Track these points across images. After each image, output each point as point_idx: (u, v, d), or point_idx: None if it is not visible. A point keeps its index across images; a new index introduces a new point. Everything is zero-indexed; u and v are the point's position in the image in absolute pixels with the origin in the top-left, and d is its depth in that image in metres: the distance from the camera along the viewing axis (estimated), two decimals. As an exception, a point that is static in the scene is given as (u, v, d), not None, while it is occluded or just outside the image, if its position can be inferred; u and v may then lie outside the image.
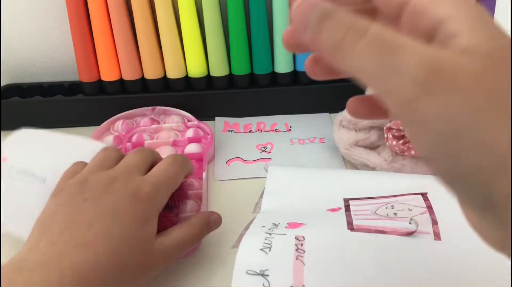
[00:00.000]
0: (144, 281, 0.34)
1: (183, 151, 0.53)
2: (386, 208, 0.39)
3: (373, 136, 0.50)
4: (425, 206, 0.39)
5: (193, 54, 0.59)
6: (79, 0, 0.57)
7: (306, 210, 0.36)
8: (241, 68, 0.60)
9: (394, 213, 0.38)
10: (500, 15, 0.63)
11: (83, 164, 0.39)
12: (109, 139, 0.55)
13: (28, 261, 0.30)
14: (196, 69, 0.60)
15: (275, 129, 0.59)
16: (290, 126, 0.60)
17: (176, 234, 0.36)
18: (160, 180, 0.36)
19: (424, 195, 0.41)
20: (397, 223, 0.36)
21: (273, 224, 0.36)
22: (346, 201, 0.41)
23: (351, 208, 0.40)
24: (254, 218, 0.40)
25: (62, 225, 0.32)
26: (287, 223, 0.36)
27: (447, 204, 0.39)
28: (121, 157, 0.39)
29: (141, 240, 0.33)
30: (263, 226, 0.36)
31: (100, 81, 0.62)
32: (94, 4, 0.57)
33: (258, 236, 0.34)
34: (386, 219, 0.37)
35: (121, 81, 0.61)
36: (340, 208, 0.40)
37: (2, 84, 0.66)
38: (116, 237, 0.32)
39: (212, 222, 0.40)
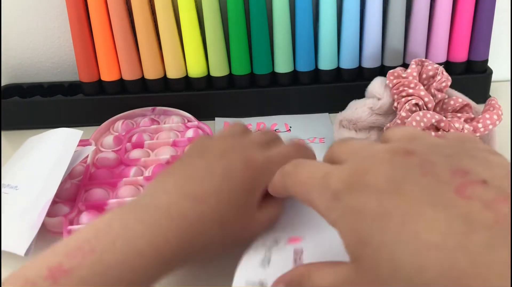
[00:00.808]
0: (237, 248, 0.35)
1: (183, 151, 0.53)
2: None
3: (373, 136, 0.50)
4: None
5: (193, 54, 0.59)
6: (79, 0, 0.57)
7: (305, 218, 0.36)
8: (241, 68, 0.60)
9: None
10: (500, 15, 0.63)
11: (209, 138, 0.40)
12: (109, 139, 0.55)
13: (141, 203, 0.32)
14: (196, 69, 0.60)
15: (275, 130, 0.59)
16: (290, 127, 0.60)
17: (269, 211, 0.37)
18: (275, 159, 0.36)
19: None
20: None
21: (274, 241, 0.37)
22: None
23: None
24: None
25: (177, 178, 0.34)
26: (287, 239, 0.37)
27: None
28: (246, 132, 0.40)
29: (245, 206, 0.34)
30: (264, 244, 0.37)
31: (100, 81, 0.62)
32: (94, 4, 0.57)
33: (259, 253, 0.35)
34: None
35: (121, 81, 0.61)
36: None
37: (2, 84, 0.66)
38: (223, 197, 0.33)
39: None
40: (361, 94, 0.52)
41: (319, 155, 0.54)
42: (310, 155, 0.40)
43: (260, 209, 0.36)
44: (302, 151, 0.39)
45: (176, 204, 0.32)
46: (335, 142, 0.30)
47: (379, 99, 0.49)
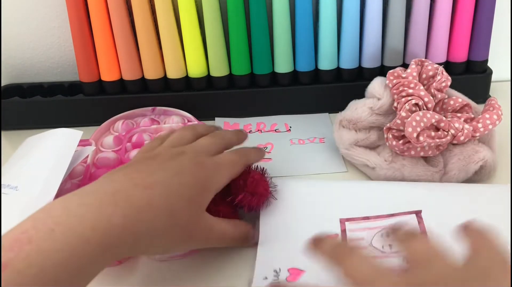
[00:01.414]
0: (181, 250, 0.36)
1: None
2: (381, 236, 0.40)
3: (373, 136, 0.50)
4: (418, 229, 0.40)
5: (193, 54, 0.59)
6: (79, 0, 0.57)
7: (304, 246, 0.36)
8: (241, 68, 0.60)
9: (389, 245, 0.39)
10: (500, 15, 0.63)
11: (160, 140, 0.41)
12: (109, 139, 0.55)
13: (86, 189, 0.32)
14: (196, 69, 0.60)
15: (275, 130, 0.59)
16: (290, 127, 0.60)
17: (222, 223, 0.38)
18: (222, 162, 0.38)
19: (418, 214, 0.42)
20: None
21: (274, 271, 0.37)
22: (343, 222, 0.42)
23: (348, 234, 0.41)
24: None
25: (126, 172, 0.34)
26: (288, 271, 0.37)
27: (439, 222, 0.40)
28: (196, 137, 0.41)
29: (195, 200, 0.35)
30: (266, 278, 0.37)
31: (100, 81, 0.62)
32: (94, 4, 0.57)
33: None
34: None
35: (121, 81, 0.61)
36: (337, 235, 0.40)
37: (2, 84, 0.66)
38: (174, 188, 0.33)
39: (250, 236, 0.41)
40: (361, 94, 0.52)
41: (319, 154, 0.55)
42: (251, 156, 0.43)
43: (213, 217, 0.37)
44: (242, 152, 0.41)
45: (123, 191, 0.31)
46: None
47: (379, 99, 0.49)
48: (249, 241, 0.41)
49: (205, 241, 0.37)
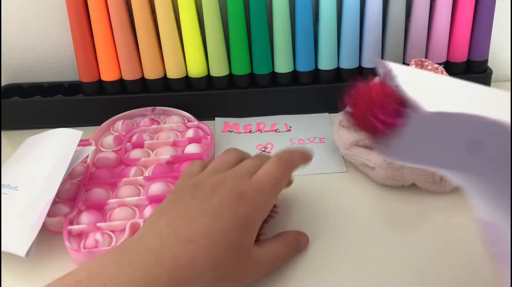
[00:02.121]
0: None
1: (183, 151, 0.53)
2: None
3: (373, 136, 0.50)
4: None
5: (193, 54, 0.59)
6: (79, 0, 0.57)
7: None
8: (241, 68, 0.60)
9: None
10: (500, 15, 0.63)
11: (202, 165, 0.40)
12: (109, 139, 0.55)
13: (135, 247, 0.32)
14: (196, 69, 0.60)
15: (275, 130, 0.59)
16: (290, 127, 0.60)
17: (271, 248, 0.37)
18: (265, 187, 0.36)
19: None
20: None
21: None
22: None
23: None
24: None
25: (170, 219, 0.34)
26: None
27: None
28: (240, 159, 0.40)
29: (239, 244, 0.34)
30: None
31: (100, 81, 0.62)
32: (94, 4, 0.57)
33: None
34: None
35: (121, 81, 0.61)
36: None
37: (2, 84, 0.66)
38: (215, 236, 0.32)
39: (301, 243, 0.40)
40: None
41: (319, 154, 0.55)
42: (296, 161, 0.40)
43: (261, 246, 0.36)
44: (285, 161, 0.38)
45: (168, 247, 0.31)
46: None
47: (379, 99, 0.49)
48: (303, 246, 0.40)
49: (256, 276, 0.36)
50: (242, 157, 0.41)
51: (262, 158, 0.40)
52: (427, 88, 0.32)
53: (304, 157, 0.41)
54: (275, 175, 0.37)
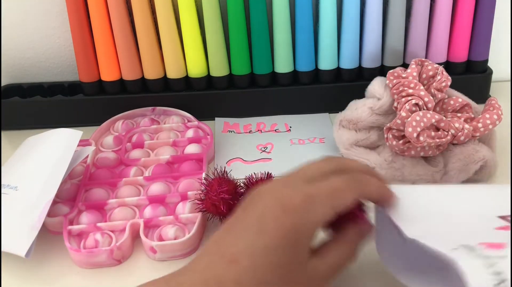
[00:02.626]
0: None
1: (183, 151, 0.53)
2: None
3: (373, 136, 0.50)
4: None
5: (193, 54, 0.59)
6: (79, 0, 0.57)
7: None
8: (241, 68, 0.60)
9: None
10: (500, 15, 0.63)
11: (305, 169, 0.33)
12: (109, 139, 0.55)
13: (189, 265, 0.30)
14: (196, 69, 0.60)
15: (275, 130, 0.59)
16: (290, 127, 0.60)
17: (333, 256, 0.32)
18: (319, 191, 0.30)
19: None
20: None
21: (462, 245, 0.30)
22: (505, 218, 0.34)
23: None
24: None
25: (219, 236, 0.30)
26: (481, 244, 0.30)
27: None
28: (332, 171, 0.33)
29: (288, 261, 0.29)
30: (455, 248, 0.29)
31: (100, 81, 0.62)
32: (94, 4, 0.57)
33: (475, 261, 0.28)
34: None
35: (121, 81, 0.61)
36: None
37: (2, 84, 0.66)
38: (258, 256, 0.28)
39: (364, 233, 0.34)
40: (361, 94, 0.52)
41: (319, 154, 0.54)
42: (366, 189, 0.32)
43: (319, 255, 0.31)
44: (353, 183, 0.32)
45: (213, 268, 0.28)
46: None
47: (379, 99, 0.49)
48: (367, 233, 0.34)
49: None
50: (336, 168, 0.33)
51: (333, 163, 0.33)
52: (421, 205, 0.35)
53: (380, 185, 0.33)
54: (336, 185, 0.31)
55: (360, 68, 0.61)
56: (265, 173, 0.44)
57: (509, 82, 0.67)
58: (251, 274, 0.28)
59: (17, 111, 0.62)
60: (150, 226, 0.44)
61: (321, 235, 0.33)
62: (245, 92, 0.61)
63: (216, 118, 0.62)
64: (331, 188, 0.30)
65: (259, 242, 0.28)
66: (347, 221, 0.33)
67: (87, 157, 0.52)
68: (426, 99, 0.46)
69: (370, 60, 0.60)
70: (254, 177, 0.43)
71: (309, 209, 0.29)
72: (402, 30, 0.58)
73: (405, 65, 0.56)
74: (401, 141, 0.46)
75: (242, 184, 0.43)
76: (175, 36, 0.59)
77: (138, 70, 0.61)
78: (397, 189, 0.34)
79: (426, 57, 0.60)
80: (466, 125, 0.45)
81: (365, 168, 0.35)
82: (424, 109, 0.45)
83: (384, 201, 0.33)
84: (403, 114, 0.45)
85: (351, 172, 0.33)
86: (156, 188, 0.47)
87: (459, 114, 0.47)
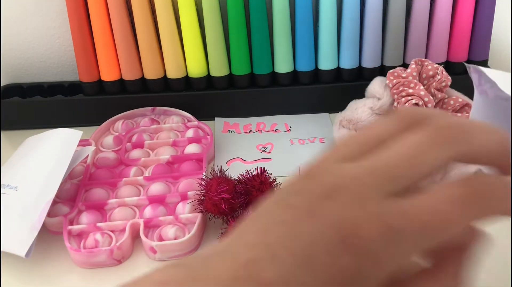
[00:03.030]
0: None
1: (183, 151, 0.53)
2: None
3: (373, 136, 0.50)
4: None
5: (193, 54, 0.59)
6: (79, 0, 0.57)
7: None
8: (241, 68, 0.60)
9: None
10: (500, 15, 0.63)
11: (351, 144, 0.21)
12: (109, 139, 0.55)
13: (199, 277, 0.20)
14: (196, 69, 0.60)
15: (275, 130, 0.59)
16: (290, 127, 0.60)
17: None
18: (409, 223, 0.18)
19: None
20: None
21: None
22: None
23: None
24: None
25: (242, 242, 0.20)
26: None
27: None
28: (399, 131, 0.20)
29: None
30: None
31: (100, 81, 0.61)
32: (94, 4, 0.57)
33: None
34: None
35: (121, 81, 0.61)
36: None
37: (2, 84, 0.66)
38: None
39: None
40: (361, 94, 0.52)
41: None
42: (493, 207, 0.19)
43: None
44: (487, 205, 0.19)
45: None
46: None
47: (379, 99, 0.49)
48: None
49: None
50: (406, 125, 0.20)
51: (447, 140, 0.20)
52: None
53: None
54: (444, 210, 0.18)
55: (360, 68, 0.61)
56: (259, 169, 0.44)
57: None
58: None
59: (17, 111, 0.62)
60: (150, 226, 0.44)
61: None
62: (245, 92, 0.61)
63: (216, 118, 0.62)
64: (431, 213, 0.18)
65: (302, 277, 0.18)
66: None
67: (87, 157, 0.52)
68: (426, 99, 0.46)
69: (370, 60, 0.60)
70: (249, 173, 0.44)
71: (387, 249, 0.18)
72: (402, 30, 0.58)
73: (405, 65, 0.56)
74: (401, 141, 0.46)
75: (237, 182, 0.44)
76: (175, 36, 0.59)
77: (138, 70, 0.61)
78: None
79: (426, 57, 0.60)
80: (466, 125, 0.45)
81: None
82: (424, 109, 0.45)
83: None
84: (403, 114, 0.45)
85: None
86: (156, 188, 0.47)
87: (459, 114, 0.47)
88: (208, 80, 0.61)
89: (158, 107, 0.61)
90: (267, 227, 0.19)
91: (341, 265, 0.18)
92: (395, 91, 0.47)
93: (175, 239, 0.41)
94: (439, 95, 0.47)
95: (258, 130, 0.59)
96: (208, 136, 0.56)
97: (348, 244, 0.18)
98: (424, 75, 0.49)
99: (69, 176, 0.49)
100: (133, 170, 0.50)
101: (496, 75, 0.31)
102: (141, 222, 0.43)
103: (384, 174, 0.19)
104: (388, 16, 0.58)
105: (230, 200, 0.41)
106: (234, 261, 0.19)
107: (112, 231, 0.43)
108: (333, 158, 0.21)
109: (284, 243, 0.19)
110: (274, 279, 0.18)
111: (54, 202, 0.45)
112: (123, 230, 0.43)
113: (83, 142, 0.53)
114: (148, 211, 0.44)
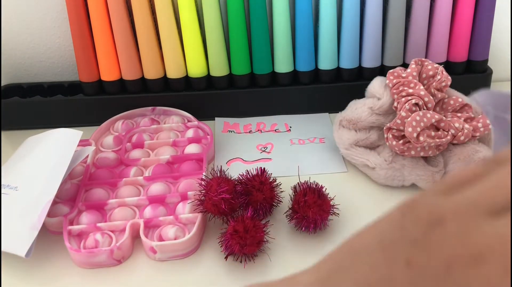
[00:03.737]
0: None
1: (183, 151, 0.53)
2: None
3: (373, 136, 0.50)
4: None
5: (193, 54, 0.59)
6: (79, 0, 0.57)
7: None
8: (241, 68, 0.60)
9: None
10: (500, 15, 0.63)
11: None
12: (109, 139, 0.55)
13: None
14: (196, 69, 0.60)
15: (275, 130, 0.59)
16: (290, 127, 0.60)
17: None
18: None
19: None
20: None
21: None
22: None
23: None
24: None
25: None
26: None
27: None
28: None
29: None
30: None
31: (100, 81, 0.61)
32: (94, 4, 0.57)
33: None
34: None
35: (121, 81, 0.61)
36: None
37: (2, 84, 0.66)
38: None
39: None
40: (361, 94, 0.52)
41: (319, 154, 0.55)
42: None
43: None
44: None
45: None
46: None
47: (379, 99, 0.49)
48: None
49: None
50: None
51: None
52: None
53: None
54: None
55: (360, 68, 0.61)
56: (259, 169, 0.44)
57: (509, 82, 0.67)
58: None
59: (17, 111, 0.62)
60: (150, 226, 0.44)
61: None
62: (245, 92, 0.61)
63: (216, 118, 0.62)
64: None
65: None
66: None
67: (87, 157, 0.52)
68: (426, 99, 0.46)
69: (370, 60, 0.60)
70: (249, 173, 0.44)
71: None
72: (402, 30, 0.58)
73: (405, 65, 0.56)
74: (401, 141, 0.46)
75: (237, 182, 0.44)
76: (175, 36, 0.59)
77: (138, 70, 0.61)
78: None
79: (426, 57, 0.60)
80: (466, 125, 0.45)
81: None
82: (424, 109, 0.45)
83: None
84: (403, 114, 0.45)
85: None
86: (156, 188, 0.47)
87: (459, 114, 0.47)
88: (208, 80, 0.61)
89: (158, 107, 0.61)
90: None
91: None
92: (395, 91, 0.47)
93: (175, 239, 0.41)
94: (439, 95, 0.47)
95: (258, 130, 0.59)
96: (208, 137, 0.56)
97: None
98: (424, 75, 0.49)
99: (69, 176, 0.49)
100: (133, 170, 0.50)
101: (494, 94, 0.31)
102: (141, 222, 0.43)
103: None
104: (388, 16, 0.58)
105: (230, 200, 0.41)
106: None
107: (112, 231, 0.43)
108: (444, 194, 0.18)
109: None
110: None
111: (54, 202, 0.45)
112: (123, 230, 0.43)
113: (83, 143, 0.53)
114: (148, 211, 0.44)
